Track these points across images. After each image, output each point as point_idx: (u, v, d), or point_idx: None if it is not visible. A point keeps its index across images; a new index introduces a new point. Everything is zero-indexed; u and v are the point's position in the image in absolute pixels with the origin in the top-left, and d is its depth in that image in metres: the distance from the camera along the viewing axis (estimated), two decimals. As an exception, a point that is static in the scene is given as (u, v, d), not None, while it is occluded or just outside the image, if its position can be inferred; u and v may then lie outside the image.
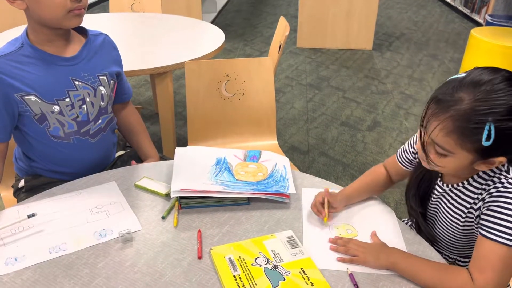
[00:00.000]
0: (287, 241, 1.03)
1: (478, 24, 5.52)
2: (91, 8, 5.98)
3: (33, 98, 1.17)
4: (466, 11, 5.98)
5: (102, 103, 1.30)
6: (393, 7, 6.64)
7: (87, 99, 1.26)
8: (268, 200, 1.17)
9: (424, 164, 0.99)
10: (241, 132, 1.93)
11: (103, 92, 1.29)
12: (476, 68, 0.90)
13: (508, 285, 1.08)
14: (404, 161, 1.18)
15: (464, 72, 0.92)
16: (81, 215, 1.10)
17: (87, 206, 1.13)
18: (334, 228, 1.09)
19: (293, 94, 3.56)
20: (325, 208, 1.10)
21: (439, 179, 1.07)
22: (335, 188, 1.22)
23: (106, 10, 3.24)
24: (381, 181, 1.21)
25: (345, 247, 1.01)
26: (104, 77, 1.29)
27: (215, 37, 2.33)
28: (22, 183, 1.31)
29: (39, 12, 1.11)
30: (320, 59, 4.39)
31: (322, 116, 3.21)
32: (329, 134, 2.97)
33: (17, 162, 1.35)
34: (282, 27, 2.19)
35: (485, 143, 0.84)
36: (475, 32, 3.57)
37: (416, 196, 1.11)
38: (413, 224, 1.18)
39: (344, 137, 2.93)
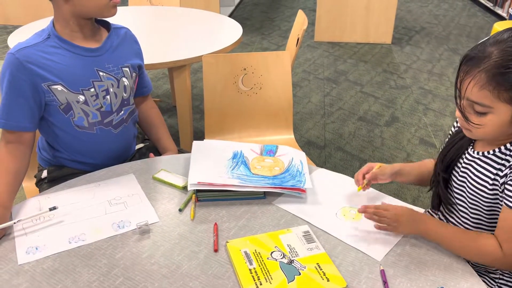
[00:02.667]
0: (303, 236, 1.03)
1: (501, 18, 5.39)
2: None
3: (59, 87, 1.20)
4: (489, 4, 5.84)
5: (124, 94, 1.32)
6: (414, 1, 6.52)
7: (111, 89, 1.28)
8: (284, 195, 1.17)
9: (466, 132, 0.99)
10: (258, 126, 1.93)
11: (125, 83, 1.31)
12: (502, 30, 0.93)
13: None
14: None
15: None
16: (100, 207, 1.12)
17: (105, 197, 1.15)
18: (341, 213, 1.12)
19: (310, 88, 3.54)
20: (364, 182, 1.14)
21: (470, 147, 1.05)
22: (351, 183, 1.21)
23: (125, 3, 3.27)
24: (431, 169, 1.19)
25: (379, 217, 1.02)
26: (127, 69, 1.32)
27: (233, 30, 2.33)
28: (45, 173, 1.34)
29: (84, 1, 1.15)
30: (338, 53, 4.35)
31: (339, 111, 3.19)
32: (346, 129, 2.95)
33: (40, 152, 1.38)
34: (300, 20, 2.18)
35: None
36: (498, 26, 3.49)
37: (442, 161, 1.10)
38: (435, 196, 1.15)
39: (361, 132, 2.91)
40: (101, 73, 1.25)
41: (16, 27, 4.97)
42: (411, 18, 5.64)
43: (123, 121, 1.34)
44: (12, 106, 1.17)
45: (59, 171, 1.33)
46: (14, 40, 2.11)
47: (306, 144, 2.76)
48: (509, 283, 1.07)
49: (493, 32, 3.51)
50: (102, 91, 1.26)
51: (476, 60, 0.90)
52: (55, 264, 0.95)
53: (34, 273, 0.93)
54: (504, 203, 0.93)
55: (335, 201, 1.16)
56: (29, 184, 1.50)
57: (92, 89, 1.24)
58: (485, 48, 0.90)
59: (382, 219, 1.02)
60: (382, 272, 0.94)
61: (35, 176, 1.40)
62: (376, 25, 4.56)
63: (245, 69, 1.86)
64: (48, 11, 4.80)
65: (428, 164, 1.22)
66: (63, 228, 1.05)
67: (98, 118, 1.28)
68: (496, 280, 1.08)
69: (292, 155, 1.30)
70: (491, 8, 5.74)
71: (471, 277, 0.94)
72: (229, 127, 1.90)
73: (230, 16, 5.32)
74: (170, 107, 3.20)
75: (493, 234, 0.97)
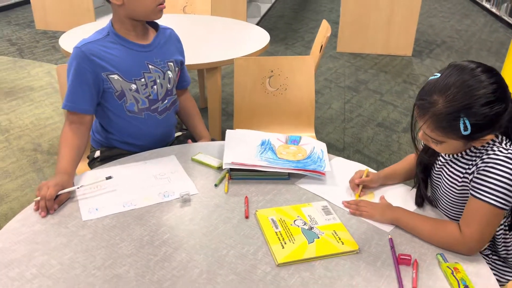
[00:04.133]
0: (322, 209, 1.19)
1: (523, 34, 5.46)
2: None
3: (116, 76, 1.40)
4: (511, 20, 5.92)
5: (169, 86, 1.52)
6: (436, 16, 6.64)
7: (158, 80, 1.48)
8: (306, 177, 1.33)
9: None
10: (282, 124, 2.10)
11: (170, 76, 1.51)
12: (449, 67, 1.07)
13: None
14: None
15: (440, 72, 1.09)
16: (147, 180, 1.30)
17: (152, 173, 1.34)
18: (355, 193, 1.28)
19: (331, 96, 3.70)
20: (359, 188, 1.27)
21: None
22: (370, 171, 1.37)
23: (160, 11, 3.48)
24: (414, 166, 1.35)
25: (356, 205, 1.19)
26: (172, 63, 1.51)
27: (260, 37, 2.52)
28: (97, 153, 1.54)
29: (134, 6, 1.35)
30: (359, 64, 4.51)
31: (358, 117, 3.34)
32: (364, 134, 3.09)
33: (94, 135, 1.58)
34: (324, 29, 2.36)
35: (465, 133, 1.02)
36: (516, 40, 3.59)
37: (421, 164, 1.25)
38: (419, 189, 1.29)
39: (379, 137, 3.05)
40: (150, 66, 1.45)
41: (55, 33, 5.30)
42: (432, 32, 5.76)
43: (166, 109, 1.54)
44: (76, 92, 1.37)
45: (110, 151, 1.53)
46: (62, 42, 2.35)
47: (326, 147, 2.91)
48: (499, 261, 1.21)
49: (511, 47, 3.61)
50: (150, 81, 1.46)
51: (425, 108, 1.06)
52: (113, 222, 1.13)
53: (96, 228, 1.11)
54: (470, 193, 1.08)
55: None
56: (80, 164, 1.69)
57: (143, 79, 1.44)
58: (431, 95, 1.05)
59: (361, 207, 1.18)
60: (390, 240, 1.09)
61: (88, 157, 1.60)
62: (397, 37, 4.71)
63: (272, 71, 2.04)
64: (83, 18, 5.12)
65: (411, 160, 1.36)
66: (117, 195, 1.23)
67: (146, 105, 1.48)
68: (490, 257, 1.22)
69: (314, 145, 1.47)
70: (513, 24, 5.81)
71: (468, 247, 1.08)
72: (256, 123, 2.08)
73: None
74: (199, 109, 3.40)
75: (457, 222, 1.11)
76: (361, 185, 1.27)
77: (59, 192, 1.18)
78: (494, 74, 1.03)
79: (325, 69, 4.32)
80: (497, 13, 6.46)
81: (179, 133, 1.70)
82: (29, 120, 3.15)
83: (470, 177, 1.10)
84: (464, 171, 1.13)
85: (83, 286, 0.94)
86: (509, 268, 1.21)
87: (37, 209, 1.15)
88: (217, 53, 2.28)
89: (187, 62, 2.08)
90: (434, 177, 1.24)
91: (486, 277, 1.00)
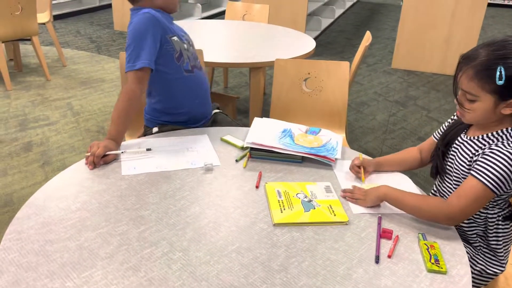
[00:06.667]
0: (324, 188, 1.35)
1: None
2: (212, 17, 6.74)
3: (175, 38, 1.72)
4: None
5: (193, 49, 1.86)
6: (504, 39, 6.44)
7: (190, 42, 1.83)
8: (318, 162, 1.49)
9: (461, 118, 1.24)
10: (315, 123, 2.25)
11: (191, 42, 1.86)
12: (498, 37, 1.17)
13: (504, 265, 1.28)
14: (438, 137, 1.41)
15: None
16: (181, 151, 1.52)
17: (185, 146, 1.56)
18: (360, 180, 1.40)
19: (377, 108, 3.78)
20: (362, 170, 1.40)
21: (464, 131, 1.30)
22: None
23: (222, 17, 3.80)
24: (411, 159, 1.46)
25: (351, 193, 1.30)
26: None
27: (307, 44, 2.70)
28: (155, 129, 1.80)
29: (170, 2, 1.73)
30: (412, 81, 4.53)
31: (401, 130, 3.40)
32: (404, 146, 3.15)
33: (146, 115, 1.85)
34: (366, 39, 2.49)
35: (499, 83, 1.10)
36: None
37: (444, 139, 1.34)
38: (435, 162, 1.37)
39: (418, 150, 3.09)
40: (182, 33, 1.81)
41: (129, 34, 5.80)
42: (496, 55, 5.61)
43: (200, 66, 1.86)
44: (150, 49, 1.61)
45: (166, 127, 1.79)
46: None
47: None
48: (489, 254, 1.29)
49: None
50: (188, 41, 1.81)
51: (468, 59, 1.16)
52: (145, 178, 1.36)
53: (131, 181, 1.34)
54: (470, 172, 1.17)
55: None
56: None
57: (186, 40, 1.78)
58: (477, 49, 1.16)
59: (354, 195, 1.30)
60: (379, 218, 1.22)
61: (145, 134, 1.85)
62: (454, 58, 4.66)
63: (309, 73, 2.21)
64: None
65: (411, 152, 1.47)
66: (153, 160, 1.46)
67: (192, 62, 1.79)
68: (479, 248, 1.30)
69: (331, 136, 1.62)
70: None
71: (451, 231, 1.18)
72: (290, 120, 2.24)
73: (315, 39, 5.72)
74: (246, 110, 3.63)
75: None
76: (362, 168, 1.41)
77: (106, 153, 1.42)
78: None
79: (377, 83, 4.39)
80: None
81: (216, 110, 1.95)
82: (97, 107, 3.54)
83: (475, 158, 1.20)
84: (474, 152, 1.22)
85: (113, 220, 1.16)
86: (497, 260, 1.29)
87: (87, 163, 1.41)
88: (263, 55, 2.49)
89: (237, 60, 2.33)
90: (450, 155, 1.33)
91: (460, 257, 1.10)
